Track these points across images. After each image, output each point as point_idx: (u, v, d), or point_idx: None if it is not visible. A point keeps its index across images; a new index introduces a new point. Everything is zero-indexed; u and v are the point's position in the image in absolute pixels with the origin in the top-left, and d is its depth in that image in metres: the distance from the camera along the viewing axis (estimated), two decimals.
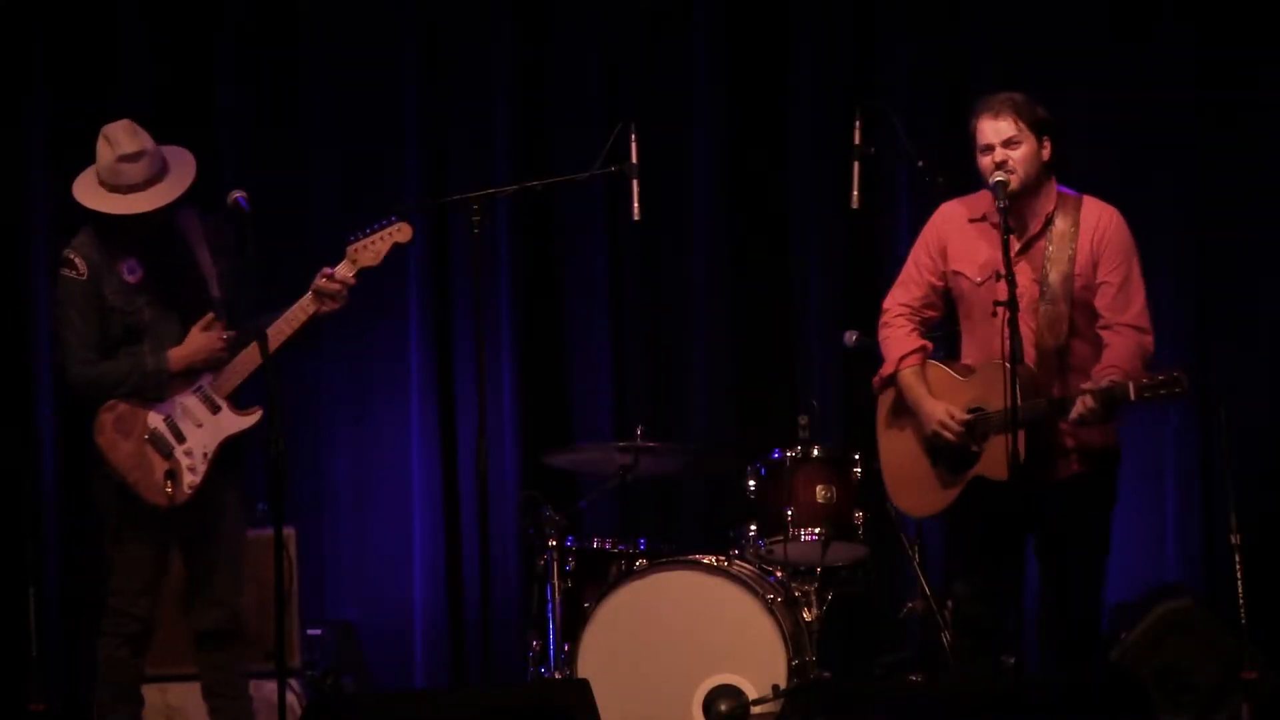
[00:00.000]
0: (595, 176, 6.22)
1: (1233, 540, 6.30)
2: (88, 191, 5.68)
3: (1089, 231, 5.56)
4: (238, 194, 5.54)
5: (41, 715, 6.67)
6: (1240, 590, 6.25)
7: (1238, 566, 6.25)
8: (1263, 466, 7.17)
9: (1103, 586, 5.78)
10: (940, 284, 5.73)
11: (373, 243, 5.84)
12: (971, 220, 5.67)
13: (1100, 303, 5.55)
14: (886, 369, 5.76)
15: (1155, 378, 5.32)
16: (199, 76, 7.59)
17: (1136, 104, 7.47)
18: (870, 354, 6.60)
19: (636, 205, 6.12)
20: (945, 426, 5.57)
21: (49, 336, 7.44)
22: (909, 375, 5.70)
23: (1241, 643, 6.34)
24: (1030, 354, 5.46)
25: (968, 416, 5.56)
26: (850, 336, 6.83)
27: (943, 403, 5.61)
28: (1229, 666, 6.45)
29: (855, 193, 6.30)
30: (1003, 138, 5.53)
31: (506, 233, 7.71)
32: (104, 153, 5.66)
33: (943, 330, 5.93)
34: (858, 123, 6.33)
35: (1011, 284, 5.34)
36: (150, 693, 6.65)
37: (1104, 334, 5.54)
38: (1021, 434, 5.40)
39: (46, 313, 7.46)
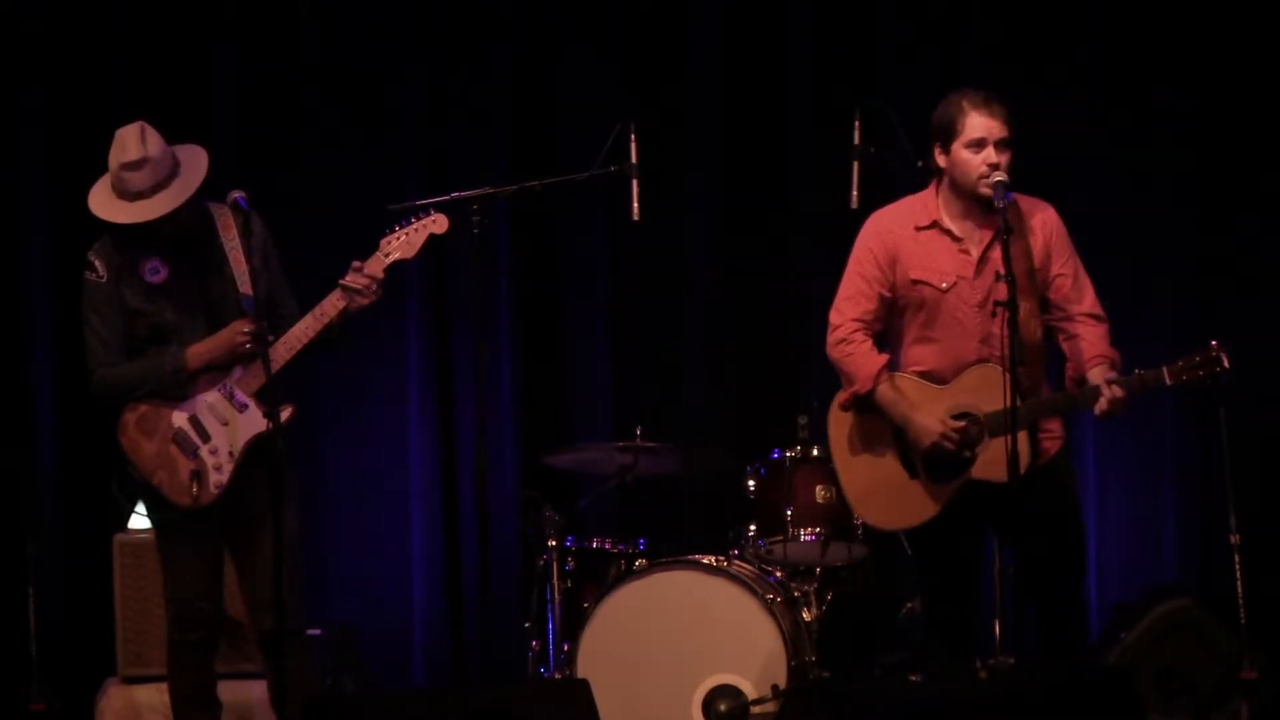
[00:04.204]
0: (595, 176, 6.22)
1: (1232, 540, 6.30)
2: (99, 198, 5.63)
3: (1038, 228, 5.64)
4: (237, 194, 5.52)
5: (41, 715, 6.67)
6: (1240, 590, 6.25)
7: (1237, 566, 6.25)
8: (1263, 466, 7.17)
9: (1086, 567, 5.81)
10: (889, 296, 5.70)
11: (407, 235, 5.76)
12: (920, 228, 5.67)
13: (1057, 295, 5.64)
14: (861, 386, 5.66)
15: (1191, 359, 5.39)
16: (197, 76, 7.58)
17: (1137, 94, 7.49)
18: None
19: (636, 205, 6.12)
20: (946, 437, 5.55)
21: (47, 335, 7.46)
22: (887, 390, 5.65)
23: (1241, 643, 6.34)
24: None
25: (960, 424, 5.57)
26: None
27: (933, 414, 5.60)
28: (1229, 666, 6.44)
29: (855, 193, 6.30)
30: (997, 137, 5.54)
31: (506, 233, 7.70)
32: (112, 157, 5.61)
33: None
34: (857, 123, 6.33)
35: (1011, 284, 5.34)
36: (150, 692, 6.68)
37: (1065, 325, 5.64)
38: (1024, 433, 5.43)
39: (45, 313, 7.46)
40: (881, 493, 5.71)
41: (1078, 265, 5.67)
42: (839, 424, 5.77)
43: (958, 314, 5.59)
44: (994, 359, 5.53)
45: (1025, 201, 5.65)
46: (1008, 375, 5.33)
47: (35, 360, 7.48)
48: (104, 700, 6.77)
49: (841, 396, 5.74)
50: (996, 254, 5.52)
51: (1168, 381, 5.41)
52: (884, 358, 5.67)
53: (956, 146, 5.57)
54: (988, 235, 5.60)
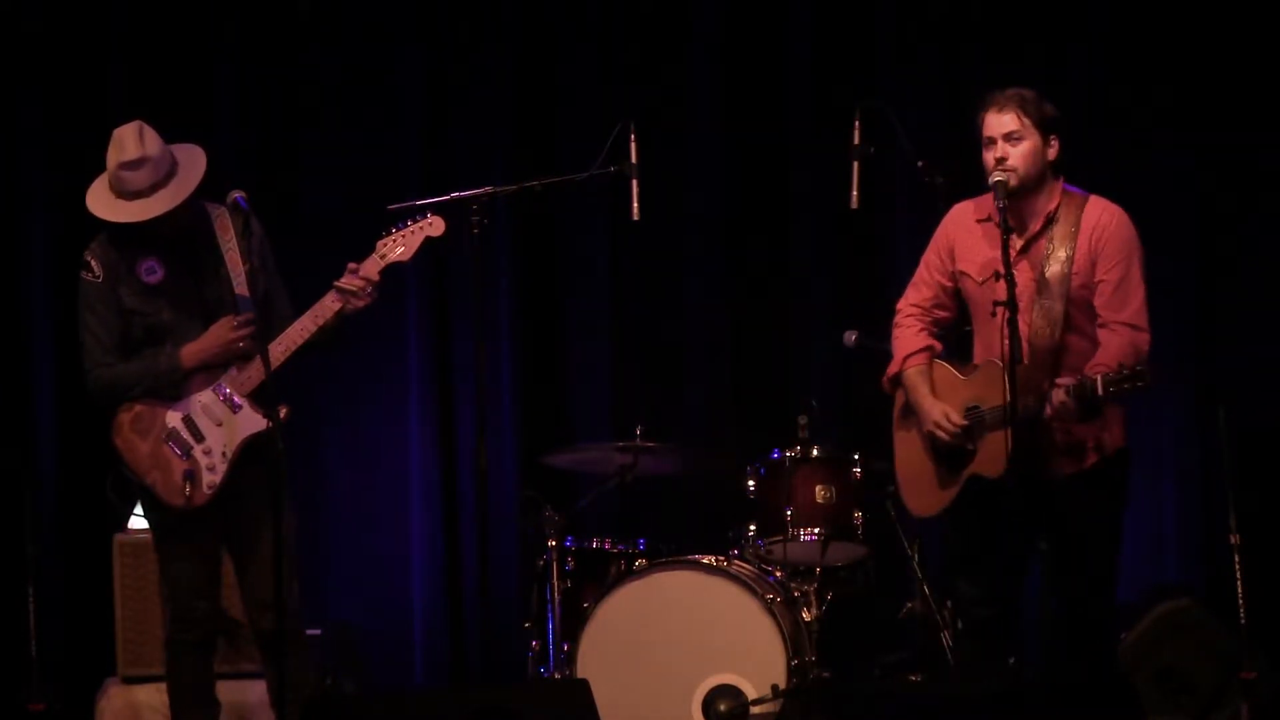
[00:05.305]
0: (595, 176, 6.22)
1: (1233, 540, 6.30)
2: (97, 197, 5.63)
3: (1089, 230, 5.57)
4: (236, 194, 5.51)
5: (41, 715, 6.67)
6: (1240, 590, 6.25)
7: (1237, 566, 6.25)
8: (1263, 466, 7.16)
9: (1113, 587, 5.74)
10: (951, 284, 5.75)
11: (404, 237, 5.76)
12: (978, 220, 5.69)
13: (1098, 301, 5.57)
14: (893, 368, 5.80)
15: (1121, 371, 5.33)
16: (198, 76, 7.58)
17: (1137, 93, 7.50)
18: (869, 354, 6.63)
19: (636, 205, 6.12)
20: (939, 426, 5.59)
21: (47, 335, 7.46)
22: (913, 374, 5.73)
23: (1241, 643, 6.34)
24: (1025, 351, 5.47)
25: (963, 420, 5.58)
26: (850, 336, 6.84)
27: (941, 402, 5.63)
28: (1229, 666, 6.44)
29: (854, 193, 6.31)
30: (1004, 131, 5.54)
31: (506, 233, 7.70)
32: (111, 157, 5.60)
33: (957, 330, 5.92)
34: (857, 123, 6.34)
35: (1010, 284, 5.35)
36: (150, 692, 6.68)
37: (1100, 332, 5.57)
38: (1010, 432, 5.42)
39: (45, 313, 7.45)
40: (913, 476, 5.79)
41: (1126, 272, 5.54)
42: (895, 404, 5.87)
43: (990, 308, 5.54)
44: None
45: (1093, 203, 5.61)
46: (1005, 373, 5.33)
47: (35, 360, 7.48)
48: (104, 700, 6.77)
49: (884, 378, 5.86)
50: (1037, 251, 5.54)
51: (1100, 391, 5.37)
52: (925, 342, 5.75)
53: (982, 148, 5.59)
54: (1033, 232, 5.60)
